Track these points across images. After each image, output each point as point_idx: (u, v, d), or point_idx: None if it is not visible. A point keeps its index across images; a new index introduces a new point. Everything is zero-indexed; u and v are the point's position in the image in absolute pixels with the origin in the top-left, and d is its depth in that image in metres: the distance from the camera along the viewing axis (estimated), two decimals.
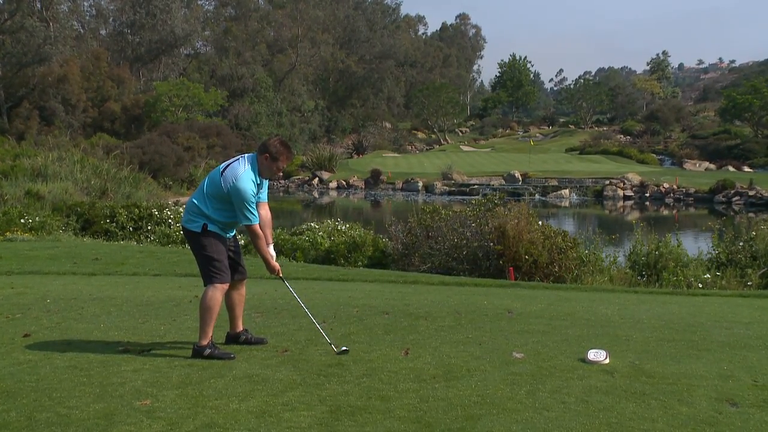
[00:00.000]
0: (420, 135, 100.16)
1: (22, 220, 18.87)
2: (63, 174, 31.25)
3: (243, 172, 5.71)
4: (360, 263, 15.87)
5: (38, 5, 65.26)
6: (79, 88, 61.74)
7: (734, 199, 45.15)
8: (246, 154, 5.96)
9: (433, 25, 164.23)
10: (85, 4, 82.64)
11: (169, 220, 19.93)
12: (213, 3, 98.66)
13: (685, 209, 44.32)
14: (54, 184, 28.26)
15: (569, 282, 12.88)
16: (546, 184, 52.67)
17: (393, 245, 16.15)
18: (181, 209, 21.08)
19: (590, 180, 52.50)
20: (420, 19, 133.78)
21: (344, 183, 58.26)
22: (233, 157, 6.11)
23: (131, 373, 5.19)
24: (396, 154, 77.75)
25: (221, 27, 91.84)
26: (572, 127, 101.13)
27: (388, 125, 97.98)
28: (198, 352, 5.68)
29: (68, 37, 67.44)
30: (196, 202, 5.85)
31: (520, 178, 54.41)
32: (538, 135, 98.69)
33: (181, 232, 19.07)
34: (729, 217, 33.50)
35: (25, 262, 12.92)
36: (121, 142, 49.77)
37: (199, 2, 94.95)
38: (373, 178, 57.32)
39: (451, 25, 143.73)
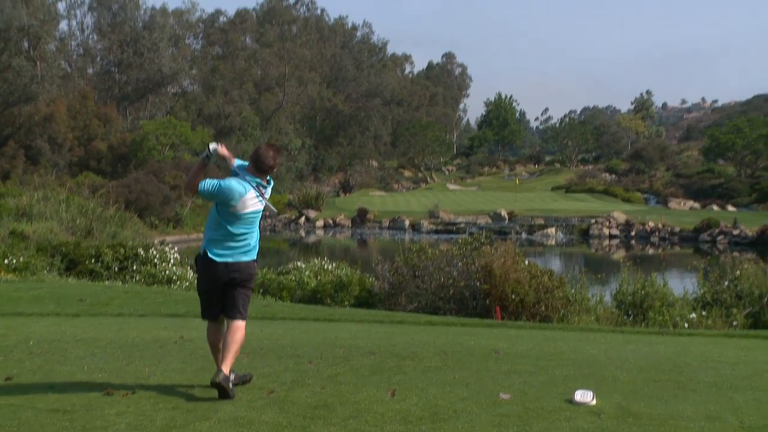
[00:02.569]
0: (407, 173, 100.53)
1: (5, 261, 18.74)
2: (48, 213, 31.12)
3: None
4: (346, 303, 15.83)
5: (26, 45, 65.46)
6: (65, 127, 61.74)
7: (719, 238, 45.43)
8: None
9: (419, 64, 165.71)
10: (73, 43, 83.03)
11: (155, 260, 19.84)
12: (200, 42, 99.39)
13: (671, 248, 44.52)
14: (39, 224, 28.13)
15: (556, 321, 12.89)
16: (532, 222, 52.85)
17: (379, 285, 16.14)
18: (166, 249, 21.01)
19: (576, 218, 52.71)
20: (406, 57, 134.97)
21: (331, 221, 58.27)
22: None
23: (115, 416, 5.14)
24: (383, 193, 77.94)
25: (209, 66, 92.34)
26: (558, 165, 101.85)
27: (374, 163, 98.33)
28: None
29: (55, 76, 67.57)
30: None
31: (507, 217, 54.59)
32: (524, 173, 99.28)
33: (167, 272, 19.02)
34: (714, 256, 33.69)
35: (7, 303, 12.81)
36: (108, 181, 49.69)
37: (186, 41, 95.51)
38: (360, 217, 57.37)
39: (437, 64, 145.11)
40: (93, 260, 19.66)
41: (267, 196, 6.10)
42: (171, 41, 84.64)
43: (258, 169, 6.01)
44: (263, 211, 6.10)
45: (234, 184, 5.93)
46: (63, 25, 79.87)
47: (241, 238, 6.00)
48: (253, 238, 6.08)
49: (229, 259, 5.95)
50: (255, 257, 6.12)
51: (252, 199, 5.95)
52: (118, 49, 78.21)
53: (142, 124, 65.88)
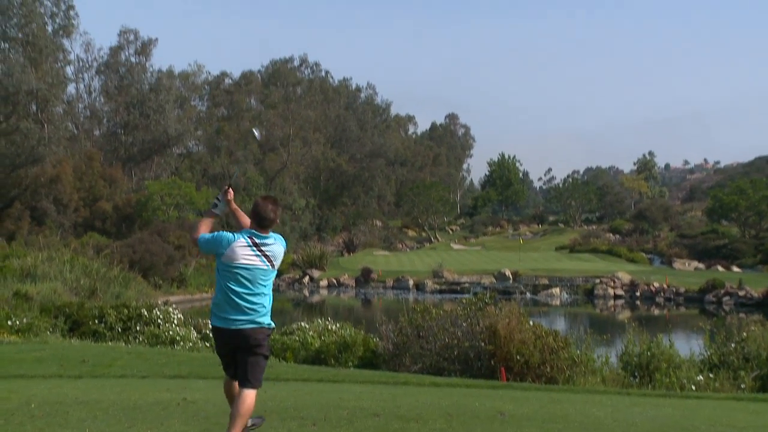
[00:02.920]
0: (410, 233, 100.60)
1: (9, 322, 18.70)
2: (52, 274, 31.13)
3: None
4: (350, 364, 15.73)
5: (34, 107, 66.23)
6: (71, 188, 62.08)
7: (724, 299, 45.17)
8: None
9: (423, 125, 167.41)
10: (80, 105, 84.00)
11: (158, 320, 19.78)
12: (206, 103, 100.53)
13: (676, 309, 44.27)
14: (43, 285, 28.12)
15: (561, 383, 12.78)
16: (536, 282, 52.69)
17: (384, 345, 16.04)
18: (170, 309, 20.97)
19: (581, 278, 52.54)
20: (410, 118, 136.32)
21: (335, 281, 58.16)
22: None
23: None
24: (387, 252, 77.90)
25: (214, 127, 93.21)
26: (562, 225, 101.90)
27: (378, 223, 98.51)
28: None
29: (62, 138, 68.16)
30: None
31: (511, 277, 54.44)
32: (527, 233, 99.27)
33: (170, 332, 18.95)
34: (720, 318, 33.49)
35: (10, 365, 12.75)
36: (112, 241, 49.78)
37: (192, 103, 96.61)
38: (364, 277, 57.27)
39: (440, 124, 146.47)
40: (96, 321, 19.61)
41: (271, 253, 5.93)
42: (177, 103, 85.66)
43: (258, 224, 5.94)
44: (267, 266, 5.92)
45: (224, 232, 5.97)
46: (71, 88, 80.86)
47: (244, 300, 5.85)
48: (260, 302, 5.91)
49: (232, 326, 5.85)
50: (264, 323, 5.94)
51: (244, 249, 5.84)
52: (125, 111, 79.06)
53: (147, 184, 66.25)
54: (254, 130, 6.43)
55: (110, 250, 41.80)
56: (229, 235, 5.92)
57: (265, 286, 5.95)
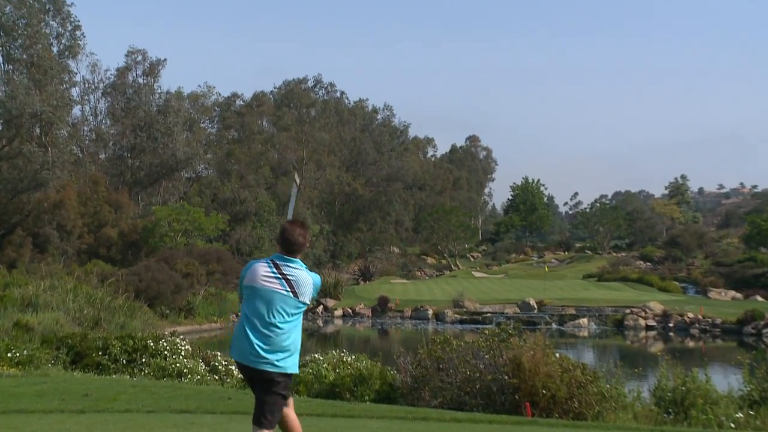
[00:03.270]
0: (429, 260, 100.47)
1: (8, 354, 18.74)
2: (54, 303, 31.23)
3: None
4: (367, 398, 15.64)
5: (37, 130, 66.80)
6: (75, 214, 62.43)
7: (765, 330, 44.67)
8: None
9: (442, 147, 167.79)
10: (85, 128, 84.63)
11: (165, 352, 19.78)
12: (216, 126, 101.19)
13: (712, 341, 43.86)
14: (44, 315, 28.21)
15: (590, 419, 12.65)
16: (563, 312, 52.41)
17: (402, 378, 15.96)
18: (177, 340, 20.97)
19: (610, 308, 52.21)
20: (429, 141, 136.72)
21: (350, 311, 58.07)
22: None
23: None
24: (405, 281, 77.76)
25: (224, 150, 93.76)
26: (589, 252, 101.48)
27: (396, 250, 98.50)
28: None
29: (66, 162, 68.51)
30: None
31: (536, 306, 54.17)
32: (553, 260, 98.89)
33: (177, 365, 18.94)
34: (760, 351, 33.11)
35: (9, 399, 12.75)
36: (117, 269, 49.97)
37: (202, 125, 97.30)
38: (381, 306, 57.16)
39: (461, 147, 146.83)
40: (100, 352, 19.63)
41: (294, 278, 5.83)
42: (186, 125, 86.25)
43: (286, 249, 5.93)
44: (287, 292, 5.80)
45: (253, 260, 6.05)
46: (76, 111, 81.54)
47: (259, 331, 5.75)
48: (278, 336, 5.77)
49: (247, 362, 5.78)
50: (287, 369, 5.81)
51: (264, 269, 5.84)
52: (132, 134, 79.52)
53: (154, 209, 66.57)
54: (295, 177, 6.45)
55: (115, 279, 41.93)
56: (255, 261, 6.01)
57: (284, 316, 5.81)
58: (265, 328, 5.78)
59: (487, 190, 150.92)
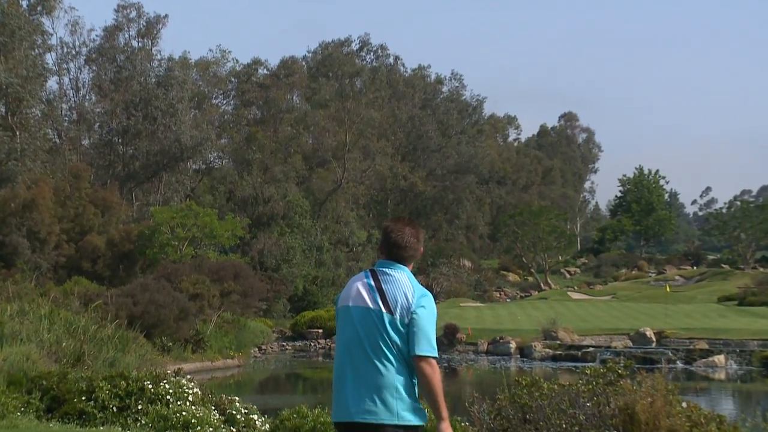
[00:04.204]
0: (512, 277, 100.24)
1: None
2: (25, 334, 31.64)
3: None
4: None
5: (2, 109, 67.49)
6: (50, 217, 62.97)
7: None
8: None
9: (528, 129, 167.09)
10: (64, 106, 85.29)
11: (168, 396, 19.96)
12: (232, 102, 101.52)
13: None
14: (12, 349, 28.58)
15: None
16: (691, 346, 51.82)
17: (476, 431, 15.92)
18: (184, 381, 21.13)
19: (756, 342, 51.51)
20: (510, 120, 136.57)
21: None
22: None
23: None
24: (479, 304, 77.63)
25: (243, 133, 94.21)
26: (726, 267, 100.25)
27: (467, 263, 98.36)
28: None
29: (40, 149, 68.99)
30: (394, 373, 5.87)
31: (654, 339, 53.67)
32: (677, 278, 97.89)
33: (183, 413, 19.09)
34: None
35: None
36: (105, 289, 50.51)
37: (214, 101, 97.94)
38: (447, 337, 57.05)
39: (553, 128, 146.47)
40: (84, 397, 19.86)
41: (391, 290, 5.80)
42: (193, 102, 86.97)
43: (388, 253, 5.96)
44: (380, 308, 5.75)
45: None
46: (52, 83, 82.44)
47: (351, 366, 5.79)
48: (377, 374, 5.75)
49: (339, 416, 5.83)
50: (392, 419, 5.80)
51: (359, 282, 5.91)
52: (123, 113, 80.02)
53: (152, 211, 67.02)
54: None
55: (103, 301, 42.40)
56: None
57: (384, 345, 5.78)
58: (359, 361, 5.82)
59: (587, 185, 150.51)
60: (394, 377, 5.70)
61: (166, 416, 18.81)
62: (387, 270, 5.89)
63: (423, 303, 5.86)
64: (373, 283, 5.83)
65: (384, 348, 5.72)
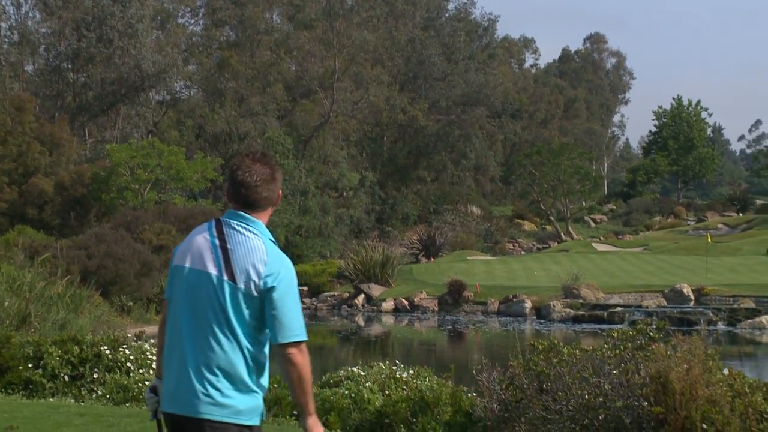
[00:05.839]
0: (527, 226, 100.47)
1: None
2: None
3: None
4: None
5: None
6: None
7: None
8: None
9: (548, 53, 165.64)
10: (3, 26, 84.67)
11: (128, 364, 20.03)
12: (201, 22, 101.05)
13: None
14: None
15: None
16: (735, 305, 51.94)
17: (485, 404, 16.00)
18: (147, 345, 21.18)
19: None
20: (527, 43, 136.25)
21: (406, 303, 58.18)
22: None
23: None
24: (489, 257, 77.81)
25: (214, 59, 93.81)
26: None
27: (476, 211, 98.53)
28: None
29: None
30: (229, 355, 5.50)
31: (692, 297, 53.83)
32: (720, 226, 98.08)
33: (147, 382, 19.14)
34: None
35: None
36: (55, 240, 50.50)
37: (180, 20, 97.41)
38: (453, 295, 57.17)
39: (576, 52, 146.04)
40: (30, 365, 19.93)
41: (235, 253, 5.50)
42: (156, 21, 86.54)
43: (234, 198, 5.73)
44: (221, 275, 5.46)
45: None
46: None
47: (181, 345, 5.51)
48: (212, 356, 5.44)
49: (166, 407, 5.61)
50: (230, 415, 5.45)
51: (202, 244, 5.65)
52: (73, 34, 79.58)
53: (109, 150, 66.79)
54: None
55: (51, 254, 42.41)
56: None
57: (222, 319, 5.48)
58: (193, 338, 5.53)
59: (617, 119, 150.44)
60: (231, 361, 5.43)
61: (126, 386, 18.88)
62: (236, 224, 5.62)
63: (279, 273, 5.57)
64: (217, 240, 5.58)
65: (221, 323, 5.45)
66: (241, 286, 5.43)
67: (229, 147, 79.08)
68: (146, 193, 61.51)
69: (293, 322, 5.55)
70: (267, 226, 5.70)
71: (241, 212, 5.65)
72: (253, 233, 5.63)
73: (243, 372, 5.44)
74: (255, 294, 5.44)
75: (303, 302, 59.22)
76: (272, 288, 5.45)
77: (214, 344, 5.40)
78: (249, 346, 5.46)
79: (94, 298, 39.25)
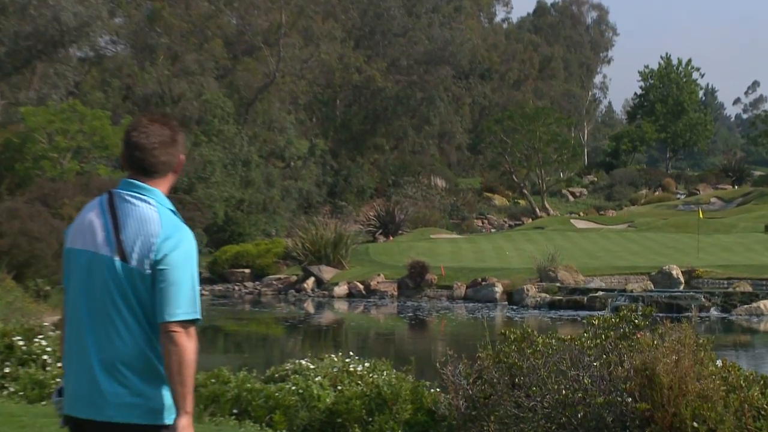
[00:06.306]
0: (498, 201, 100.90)
1: None
2: None
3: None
4: None
5: None
6: None
7: None
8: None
9: (521, 6, 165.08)
10: None
11: (44, 357, 19.97)
12: None
13: None
14: None
15: None
16: (729, 289, 52.34)
17: (450, 400, 16.04)
18: None
19: None
20: None
21: (361, 287, 58.29)
22: None
23: None
24: (455, 235, 78.08)
25: (144, 10, 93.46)
26: None
27: (440, 183, 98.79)
28: None
29: None
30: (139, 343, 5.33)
31: (682, 279, 54.21)
32: (713, 200, 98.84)
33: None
34: None
35: None
36: None
37: None
38: (414, 279, 57.33)
39: (553, 4, 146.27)
40: None
41: (127, 226, 5.31)
42: None
43: (129, 163, 5.51)
44: (112, 255, 5.29)
45: None
46: None
47: (80, 340, 5.45)
48: (111, 349, 5.30)
49: (65, 409, 5.51)
50: (144, 419, 5.30)
51: (94, 220, 5.49)
52: None
53: (23, 113, 66.46)
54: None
55: None
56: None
57: (119, 307, 5.34)
58: (91, 332, 5.42)
59: (598, 80, 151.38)
60: (138, 352, 5.27)
61: (42, 382, 18.79)
62: (128, 195, 5.39)
63: (174, 243, 5.35)
64: (108, 216, 5.39)
65: (120, 310, 5.29)
66: (134, 264, 5.26)
67: (161, 111, 78.76)
68: (66, 162, 61.27)
69: (182, 299, 5.27)
70: (169, 196, 5.50)
71: (135, 180, 5.42)
72: (147, 203, 5.38)
73: (154, 364, 5.28)
74: (149, 271, 5.25)
75: (245, 286, 59.53)
76: (162, 258, 5.24)
77: (115, 335, 5.25)
78: (157, 333, 5.28)
79: (6, 281, 39.19)
